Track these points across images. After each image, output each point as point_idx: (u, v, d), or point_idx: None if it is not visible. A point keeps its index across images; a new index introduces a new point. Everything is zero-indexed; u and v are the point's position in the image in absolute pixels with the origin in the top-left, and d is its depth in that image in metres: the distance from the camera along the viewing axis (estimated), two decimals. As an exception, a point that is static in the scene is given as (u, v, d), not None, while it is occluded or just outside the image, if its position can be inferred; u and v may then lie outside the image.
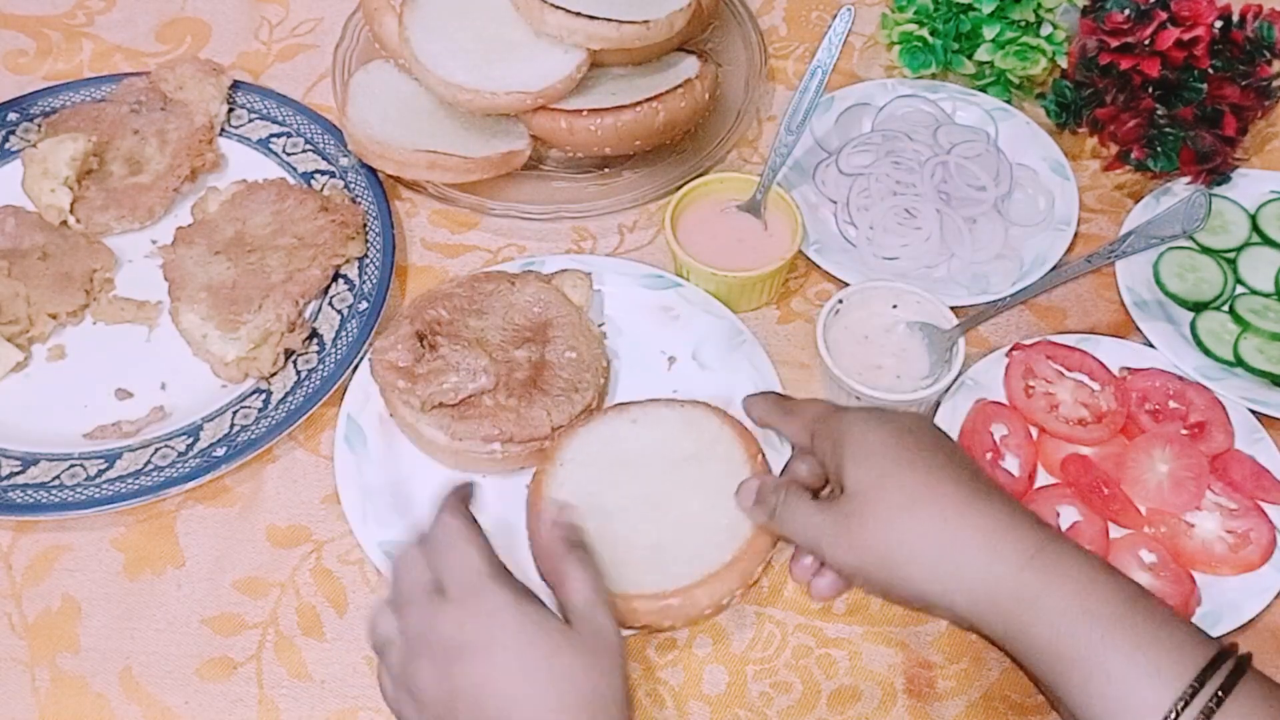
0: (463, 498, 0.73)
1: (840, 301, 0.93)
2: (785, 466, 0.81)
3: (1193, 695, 0.60)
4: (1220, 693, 0.60)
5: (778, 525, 0.75)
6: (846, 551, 0.70)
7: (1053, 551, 0.66)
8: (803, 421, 0.78)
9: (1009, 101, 1.12)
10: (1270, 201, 1.04)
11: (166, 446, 0.90)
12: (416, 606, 0.67)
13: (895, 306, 0.94)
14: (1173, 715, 0.60)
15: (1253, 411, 0.90)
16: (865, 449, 0.71)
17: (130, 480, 0.87)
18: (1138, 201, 1.04)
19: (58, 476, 0.88)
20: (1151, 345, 0.94)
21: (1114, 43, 1.02)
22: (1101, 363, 0.92)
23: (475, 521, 0.71)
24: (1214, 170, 1.04)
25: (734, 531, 0.79)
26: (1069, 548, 0.66)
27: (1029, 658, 0.66)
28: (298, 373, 0.93)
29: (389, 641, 0.69)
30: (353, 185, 1.05)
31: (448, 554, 0.68)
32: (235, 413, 0.92)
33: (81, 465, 0.89)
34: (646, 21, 0.98)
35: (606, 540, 0.78)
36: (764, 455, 0.83)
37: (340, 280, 0.99)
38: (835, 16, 0.97)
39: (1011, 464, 0.87)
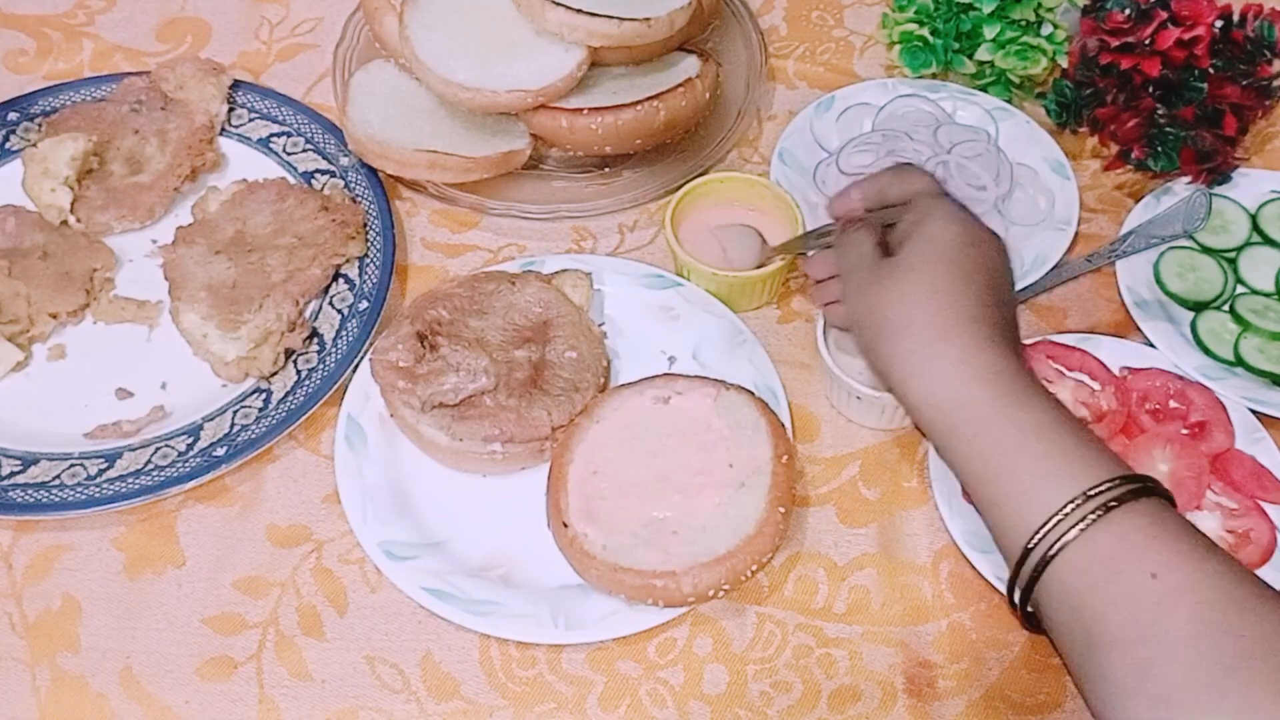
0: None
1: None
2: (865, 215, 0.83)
3: (1085, 501, 0.63)
4: (1113, 502, 0.63)
5: (836, 247, 0.81)
6: (860, 296, 0.76)
7: (1010, 375, 0.69)
8: (905, 188, 0.80)
9: (1009, 101, 1.12)
10: (1271, 201, 1.04)
11: (167, 446, 0.90)
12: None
13: (895, 306, 0.94)
14: (1061, 515, 0.63)
15: (1253, 411, 0.90)
16: (932, 236, 0.75)
17: (130, 480, 0.87)
18: (1138, 201, 1.04)
19: (58, 476, 0.88)
20: (1152, 345, 0.94)
21: (1114, 42, 1.02)
22: (1102, 362, 0.92)
23: None
24: (1214, 170, 1.03)
25: (736, 527, 0.79)
26: (1027, 380, 0.69)
27: (957, 459, 0.69)
28: (298, 372, 0.93)
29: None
30: (353, 185, 1.05)
31: None
32: (235, 412, 0.92)
33: (82, 465, 0.89)
34: (647, 19, 0.98)
35: (614, 505, 0.80)
36: (791, 457, 0.83)
37: (340, 280, 0.99)
38: None
39: (1012, 464, 0.87)
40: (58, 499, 0.86)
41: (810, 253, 0.91)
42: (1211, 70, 1.02)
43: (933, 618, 0.83)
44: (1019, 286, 0.97)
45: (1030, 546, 0.64)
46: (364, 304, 0.96)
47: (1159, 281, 0.99)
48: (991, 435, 0.67)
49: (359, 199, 1.04)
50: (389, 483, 0.88)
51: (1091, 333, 0.96)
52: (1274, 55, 1.03)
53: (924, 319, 0.72)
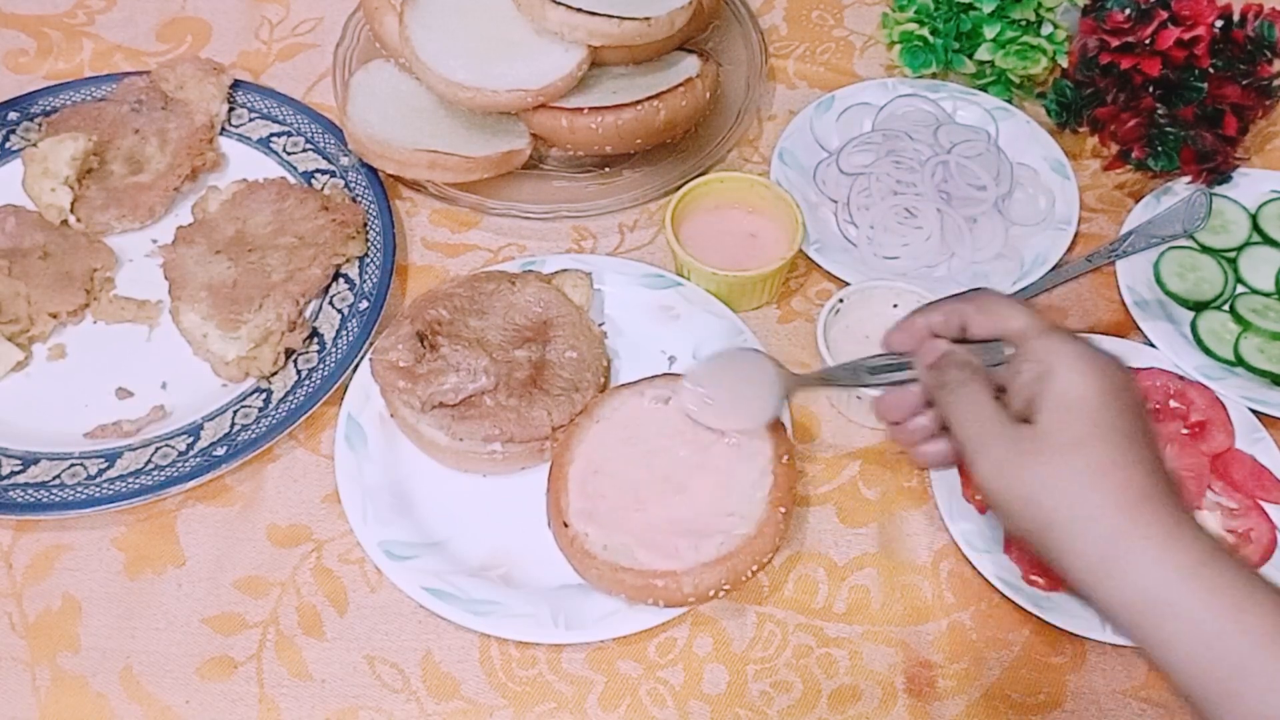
0: None
1: (841, 301, 0.93)
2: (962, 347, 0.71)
3: None
4: None
5: (943, 401, 0.69)
6: (1004, 478, 0.64)
7: (1216, 566, 0.60)
8: (1004, 327, 0.69)
9: (1009, 101, 1.12)
10: (1271, 201, 1.04)
11: (167, 446, 0.90)
12: None
13: (896, 306, 0.94)
14: None
15: (1253, 411, 0.90)
16: (1073, 398, 0.64)
17: (131, 479, 0.87)
18: (1138, 201, 1.04)
19: (58, 476, 0.88)
20: (1152, 344, 0.94)
21: (1115, 42, 1.02)
22: (1102, 362, 0.92)
23: None
24: (1214, 170, 1.03)
25: (736, 528, 0.79)
26: (1232, 564, 0.60)
27: (1169, 665, 0.60)
28: (298, 372, 0.93)
29: None
30: (353, 185, 1.05)
31: None
32: (236, 412, 0.92)
33: (82, 464, 0.89)
34: (647, 18, 0.98)
35: (614, 504, 0.80)
36: (791, 457, 0.83)
37: (341, 280, 0.99)
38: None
39: (1012, 464, 0.87)
40: (58, 499, 0.86)
41: (869, 390, 0.76)
42: (1211, 70, 1.02)
43: (933, 618, 0.83)
44: (1019, 286, 0.97)
45: None
46: (364, 304, 0.96)
47: (1159, 281, 0.99)
48: (1216, 648, 0.58)
49: (359, 199, 1.04)
50: (389, 483, 0.88)
51: (1091, 333, 0.96)
52: (1274, 55, 1.03)
53: (1099, 509, 0.61)
